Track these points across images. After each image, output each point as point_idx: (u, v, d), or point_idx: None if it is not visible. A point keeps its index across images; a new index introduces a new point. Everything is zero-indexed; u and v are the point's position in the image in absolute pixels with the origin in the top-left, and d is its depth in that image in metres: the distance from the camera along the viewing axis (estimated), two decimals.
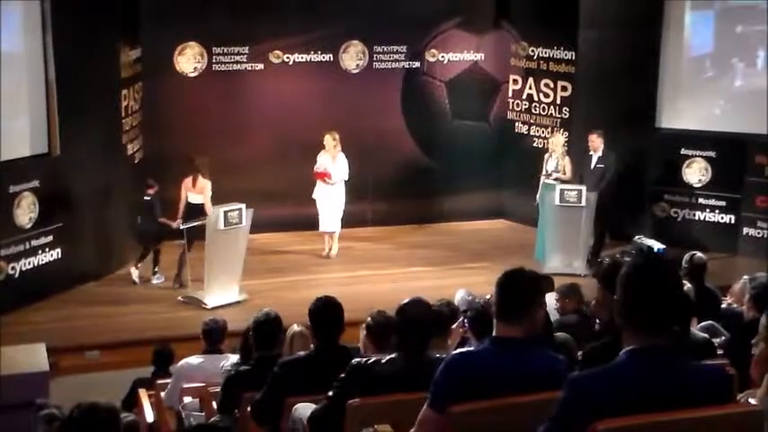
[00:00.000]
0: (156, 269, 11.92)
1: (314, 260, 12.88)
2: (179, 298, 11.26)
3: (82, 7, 11.38)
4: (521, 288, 3.44)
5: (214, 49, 13.64)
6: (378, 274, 12.35)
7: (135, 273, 11.86)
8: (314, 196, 12.70)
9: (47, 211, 11.17)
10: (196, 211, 11.34)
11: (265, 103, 13.89)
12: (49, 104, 11.27)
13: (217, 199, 11.43)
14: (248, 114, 13.83)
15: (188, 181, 11.47)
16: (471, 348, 3.64)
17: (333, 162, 12.60)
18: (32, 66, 11.11)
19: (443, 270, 12.44)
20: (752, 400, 3.58)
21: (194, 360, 7.30)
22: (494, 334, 3.44)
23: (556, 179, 12.58)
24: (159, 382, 7.66)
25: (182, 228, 11.36)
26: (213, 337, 7.34)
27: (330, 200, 12.66)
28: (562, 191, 12.23)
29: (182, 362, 7.38)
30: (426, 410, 3.45)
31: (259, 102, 13.90)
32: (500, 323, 3.44)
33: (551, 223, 12.37)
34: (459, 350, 3.65)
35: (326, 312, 5.16)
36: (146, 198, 11.74)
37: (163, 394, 7.23)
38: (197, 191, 11.43)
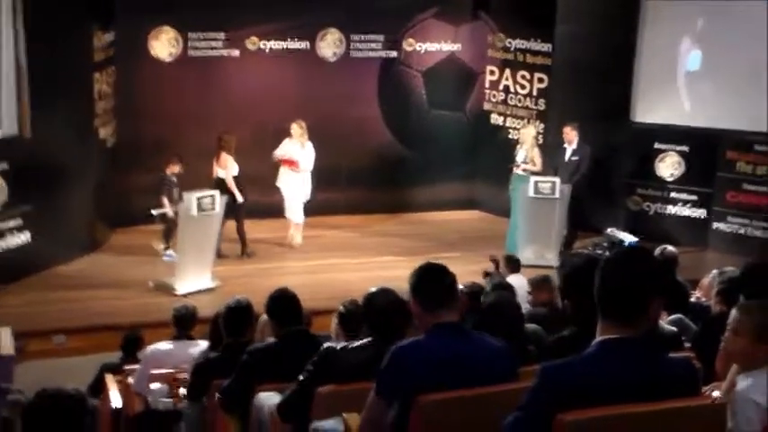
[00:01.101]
0: (168, 246, 11.89)
1: (287, 248, 12.87)
2: (149, 283, 11.20)
3: None
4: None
5: (190, 34, 13.55)
6: (350, 263, 12.36)
7: (160, 246, 11.97)
8: (278, 184, 12.62)
9: (16, 193, 11.07)
10: (222, 185, 11.67)
11: (241, 90, 13.83)
12: (20, 87, 11.13)
13: (191, 185, 11.45)
14: (223, 101, 13.75)
15: (215, 160, 11.88)
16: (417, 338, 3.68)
17: (301, 150, 12.55)
18: (3, 48, 10.98)
19: (416, 260, 12.13)
20: (716, 393, 3.62)
21: (163, 346, 7.27)
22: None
23: (524, 170, 12.66)
24: (127, 367, 7.62)
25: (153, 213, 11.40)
26: (183, 323, 7.32)
27: (294, 189, 12.62)
28: (536, 182, 12.27)
29: (151, 347, 7.35)
30: (372, 396, 3.57)
31: (235, 89, 13.84)
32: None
33: (524, 215, 12.41)
34: (405, 341, 3.68)
35: (281, 304, 5.24)
36: (169, 176, 11.91)
37: (131, 379, 7.19)
38: (221, 166, 11.84)
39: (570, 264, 4.09)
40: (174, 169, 11.95)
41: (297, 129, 12.47)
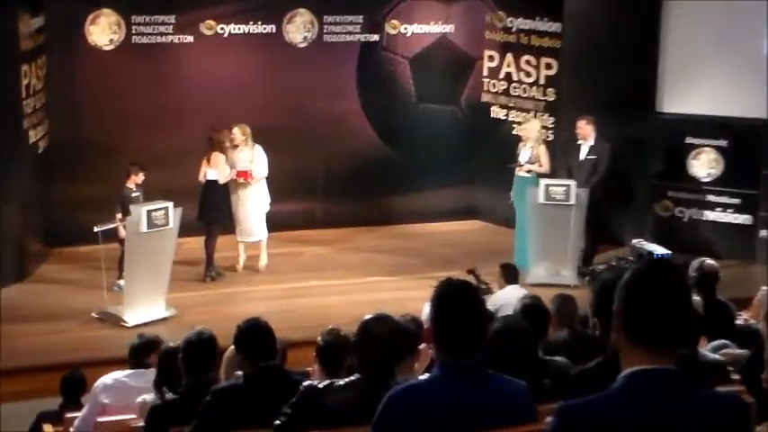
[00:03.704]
0: (121, 275, 11.77)
1: (254, 268, 12.93)
2: (93, 314, 11.19)
3: None
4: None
5: (133, 17, 13.55)
6: (329, 285, 12.41)
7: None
8: (233, 200, 12.68)
9: None
10: (212, 189, 12.28)
11: (196, 83, 13.86)
12: None
13: (145, 197, 11.57)
14: (176, 96, 13.80)
15: (205, 160, 12.39)
16: (420, 378, 3.65)
17: (250, 157, 12.56)
18: None
19: (406, 279, 12.52)
20: None
21: (115, 375, 7.21)
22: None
23: (529, 171, 12.73)
24: (68, 415, 7.57)
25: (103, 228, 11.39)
26: (139, 354, 7.26)
27: (253, 202, 12.69)
28: (547, 187, 12.32)
29: (97, 382, 7.29)
30: None
31: (188, 81, 13.88)
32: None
33: (535, 225, 12.46)
34: (402, 384, 3.66)
35: (251, 335, 5.29)
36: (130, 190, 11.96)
37: (72, 429, 7.15)
38: (212, 165, 12.31)
39: (601, 279, 4.08)
40: (135, 179, 11.99)
41: (239, 134, 12.52)
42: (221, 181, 12.34)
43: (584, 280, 12.00)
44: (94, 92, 13.46)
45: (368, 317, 4.41)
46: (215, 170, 12.33)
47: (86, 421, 7.04)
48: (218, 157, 12.33)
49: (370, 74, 14.69)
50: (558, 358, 5.55)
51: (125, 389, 7.03)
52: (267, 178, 12.72)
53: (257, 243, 12.90)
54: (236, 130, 12.51)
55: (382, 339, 4.30)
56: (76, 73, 13.37)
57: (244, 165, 12.52)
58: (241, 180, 12.52)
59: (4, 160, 11.89)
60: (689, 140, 13.64)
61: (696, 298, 6.89)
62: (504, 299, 8.98)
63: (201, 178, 12.36)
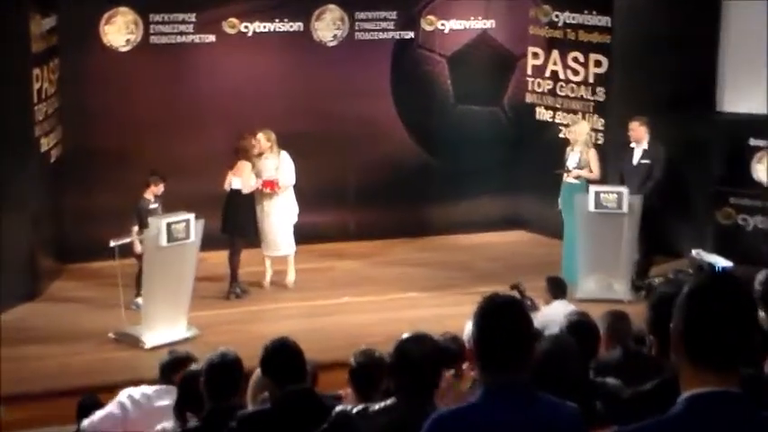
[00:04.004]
0: (139, 292, 11.74)
1: (281, 284, 12.99)
2: (109, 335, 11.23)
3: None
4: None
5: (151, 16, 13.64)
6: (363, 302, 12.47)
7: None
8: (258, 212, 12.72)
9: None
10: (241, 199, 12.36)
11: (218, 86, 13.90)
12: None
13: (166, 208, 11.70)
14: (197, 100, 13.86)
15: (232, 168, 12.50)
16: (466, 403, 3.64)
17: (276, 164, 12.64)
18: None
19: (446, 295, 12.53)
20: None
21: (142, 389, 7.14)
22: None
23: (577, 177, 12.73)
24: None
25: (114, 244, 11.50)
26: (168, 372, 7.22)
27: (279, 214, 12.75)
28: (597, 194, 12.31)
29: (124, 390, 7.25)
30: None
31: (210, 83, 13.92)
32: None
33: (584, 235, 12.45)
34: (446, 407, 3.67)
35: (280, 357, 5.29)
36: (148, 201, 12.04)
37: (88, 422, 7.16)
38: (237, 174, 12.43)
39: (658, 293, 4.06)
40: (154, 190, 12.07)
41: (263, 140, 12.59)
42: (245, 191, 12.38)
43: (639, 295, 11.99)
44: (110, 96, 13.53)
45: (405, 336, 4.43)
46: (239, 179, 12.40)
47: (107, 420, 7.02)
48: (243, 165, 12.41)
49: (404, 74, 14.72)
50: (609, 380, 5.52)
51: (149, 407, 7.02)
52: (295, 187, 12.79)
53: (284, 257, 12.93)
54: (261, 136, 12.57)
55: (420, 360, 4.30)
56: (91, 76, 13.43)
57: (269, 173, 12.57)
58: (267, 190, 12.57)
59: (14, 170, 11.93)
60: (752, 142, 13.53)
61: (761, 313, 6.86)
62: (551, 316, 8.92)
63: (226, 187, 12.41)
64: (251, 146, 12.53)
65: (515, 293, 9.57)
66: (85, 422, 7.19)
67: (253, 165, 12.48)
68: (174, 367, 7.09)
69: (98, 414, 7.18)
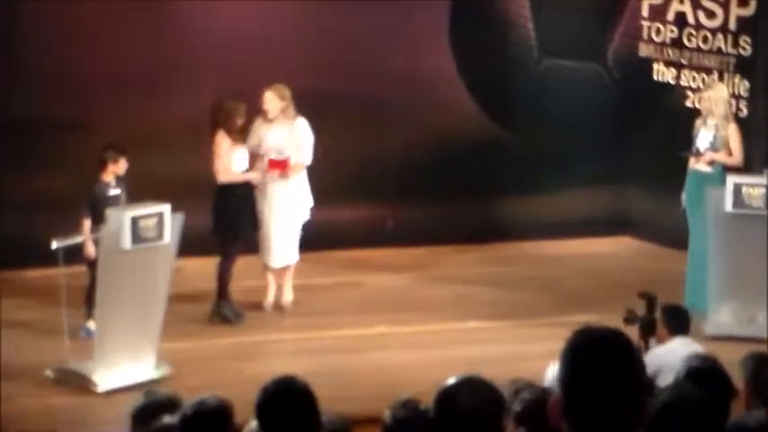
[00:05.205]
0: (91, 313, 11.82)
1: (278, 309, 13.11)
2: (47, 372, 11.22)
3: None
4: None
5: None
6: (403, 333, 12.53)
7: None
8: (260, 204, 12.83)
9: None
10: (233, 188, 12.57)
11: (204, 30, 13.93)
12: None
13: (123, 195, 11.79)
14: (173, 53, 13.94)
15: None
16: None
17: (289, 135, 12.65)
18: None
19: (520, 326, 12.67)
20: None
21: None
22: None
23: (711, 163, 12.67)
24: None
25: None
26: (144, 421, 7.25)
27: (288, 206, 12.84)
28: (738, 187, 12.25)
29: None
30: None
31: (191, 31, 13.99)
32: None
33: (719, 245, 12.42)
34: None
35: (282, 404, 5.37)
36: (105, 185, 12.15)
37: None
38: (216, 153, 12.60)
39: None
40: (114, 170, 12.13)
41: (274, 99, 12.57)
42: (221, 179, 12.42)
43: None
44: (51, 48, 13.57)
45: (452, 380, 4.46)
46: (218, 161, 12.53)
47: None
48: (221, 140, 12.43)
49: (468, 15, 14.72)
50: None
51: None
52: (307, 170, 12.77)
53: (284, 270, 13.06)
54: (270, 95, 12.63)
55: (471, 415, 4.35)
56: (23, 22, 13.48)
57: (277, 148, 12.53)
58: (275, 174, 12.55)
59: None
60: None
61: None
62: (669, 358, 8.84)
63: (222, 177, 12.50)
64: (237, 113, 12.54)
65: (627, 323, 9.52)
66: None
67: (235, 139, 12.44)
68: (151, 415, 7.07)
69: None
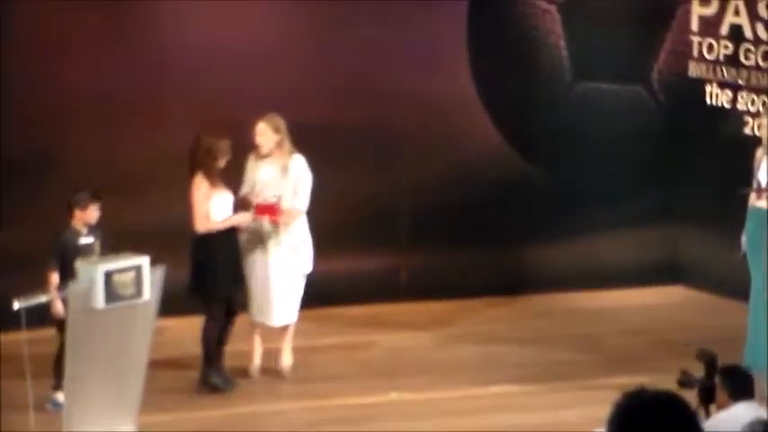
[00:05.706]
0: (59, 383, 11.87)
1: (276, 370, 13.19)
2: None
3: None
4: None
5: None
6: (421, 401, 12.56)
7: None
8: (253, 254, 12.88)
9: None
10: (217, 237, 12.59)
11: (186, 49, 14.03)
12: None
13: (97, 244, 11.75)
14: (157, 70, 14.00)
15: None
16: None
17: (282, 176, 12.65)
18: None
19: (556, 391, 12.66)
20: None
21: None
22: None
23: None
24: None
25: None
26: None
27: (284, 262, 12.89)
28: None
29: None
30: None
31: (176, 46, 14.07)
32: None
33: None
34: None
35: None
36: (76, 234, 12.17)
37: None
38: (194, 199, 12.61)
39: None
40: (83, 217, 12.11)
41: (268, 132, 12.61)
42: (199, 229, 12.49)
43: None
44: (13, 71, 13.53)
45: None
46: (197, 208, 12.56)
47: None
48: (199, 184, 12.49)
49: (491, 33, 14.71)
50: None
51: None
52: (308, 214, 12.73)
53: (284, 329, 13.06)
54: (263, 127, 12.68)
55: None
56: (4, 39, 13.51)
57: (267, 189, 12.52)
58: (264, 221, 12.53)
59: None
60: None
61: None
62: (731, 425, 8.87)
63: (200, 227, 12.50)
64: (219, 151, 12.51)
65: (689, 377, 9.66)
66: None
67: (214, 183, 12.41)
68: None
69: None
